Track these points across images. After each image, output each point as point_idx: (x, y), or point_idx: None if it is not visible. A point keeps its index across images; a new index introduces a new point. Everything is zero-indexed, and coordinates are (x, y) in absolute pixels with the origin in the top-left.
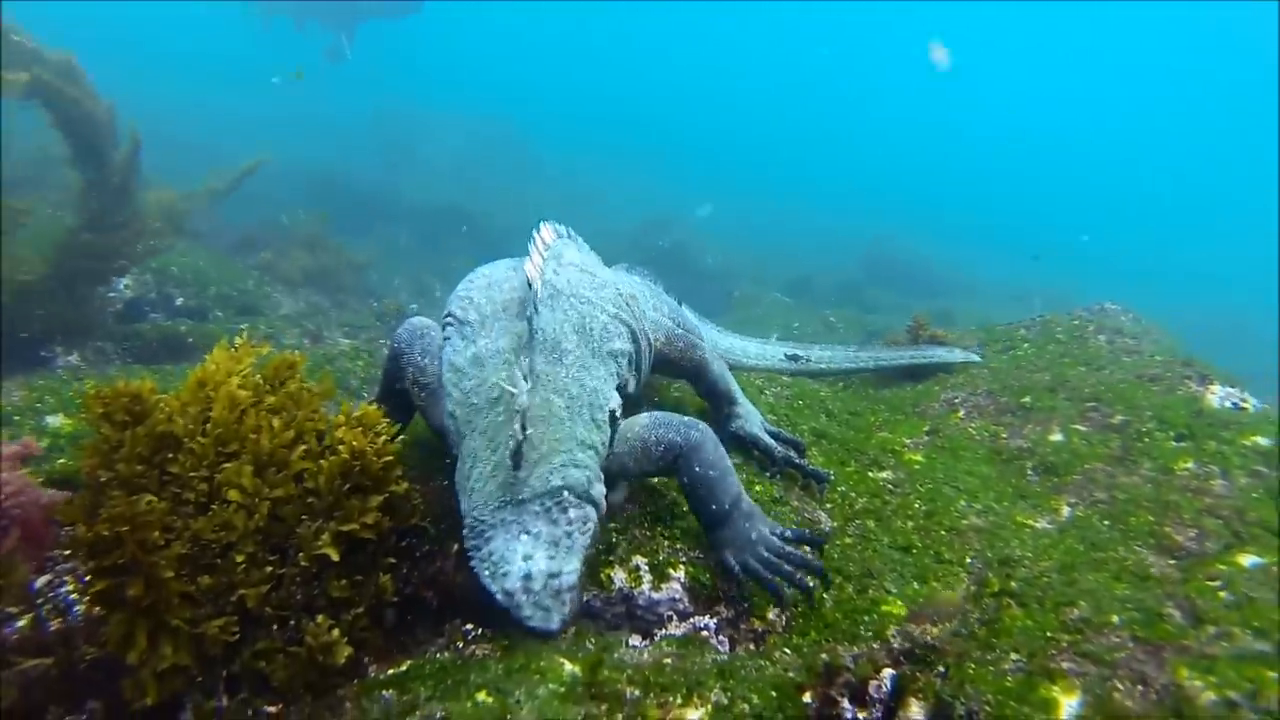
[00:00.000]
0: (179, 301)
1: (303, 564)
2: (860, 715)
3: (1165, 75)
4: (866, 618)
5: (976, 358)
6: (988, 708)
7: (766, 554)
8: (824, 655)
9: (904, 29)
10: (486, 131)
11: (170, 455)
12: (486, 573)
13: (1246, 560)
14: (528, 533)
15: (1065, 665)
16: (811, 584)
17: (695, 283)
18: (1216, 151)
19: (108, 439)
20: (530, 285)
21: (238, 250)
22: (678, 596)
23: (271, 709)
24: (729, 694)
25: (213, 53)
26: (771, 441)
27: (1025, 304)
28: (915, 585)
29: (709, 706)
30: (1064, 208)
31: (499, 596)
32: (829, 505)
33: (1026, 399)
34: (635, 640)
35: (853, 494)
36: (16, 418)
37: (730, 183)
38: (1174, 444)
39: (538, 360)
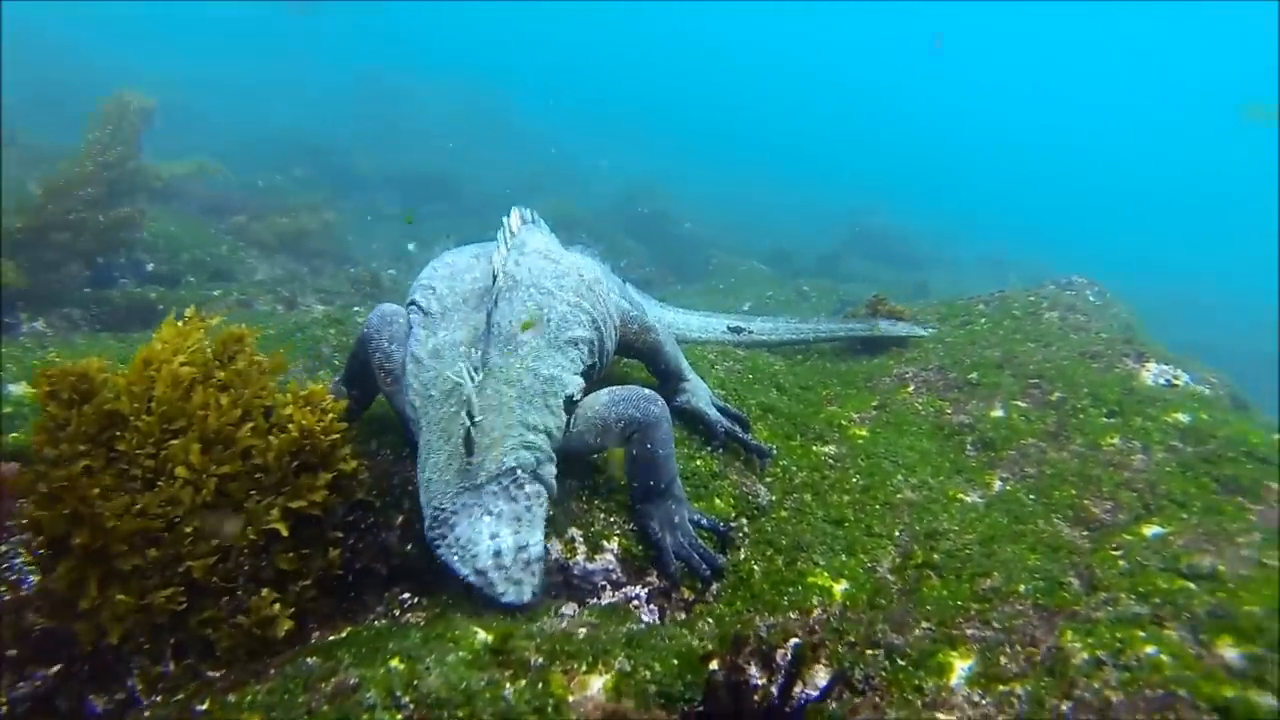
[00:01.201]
0: (150, 267)
1: (250, 538)
2: (764, 680)
3: (1164, 75)
4: (791, 589)
5: (922, 332)
6: (883, 672)
7: (682, 539)
8: (738, 626)
9: (900, 12)
10: (469, 98)
11: (117, 433)
12: (456, 558)
13: (1149, 530)
14: (489, 513)
15: (970, 632)
16: (711, 578)
17: (673, 250)
18: (1216, 152)
19: (54, 417)
20: (494, 278)
21: (211, 214)
22: (611, 567)
23: (215, 674)
24: (633, 662)
25: (192, 17)
26: (718, 416)
27: (1001, 278)
28: (843, 558)
29: (612, 673)
30: (1051, 194)
31: (472, 578)
32: (769, 479)
33: (974, 375)
34: (569, 609)
35: (794, 468)
36: None
37: (715, 155)
38: (1105, 420)
39: (492, 352)
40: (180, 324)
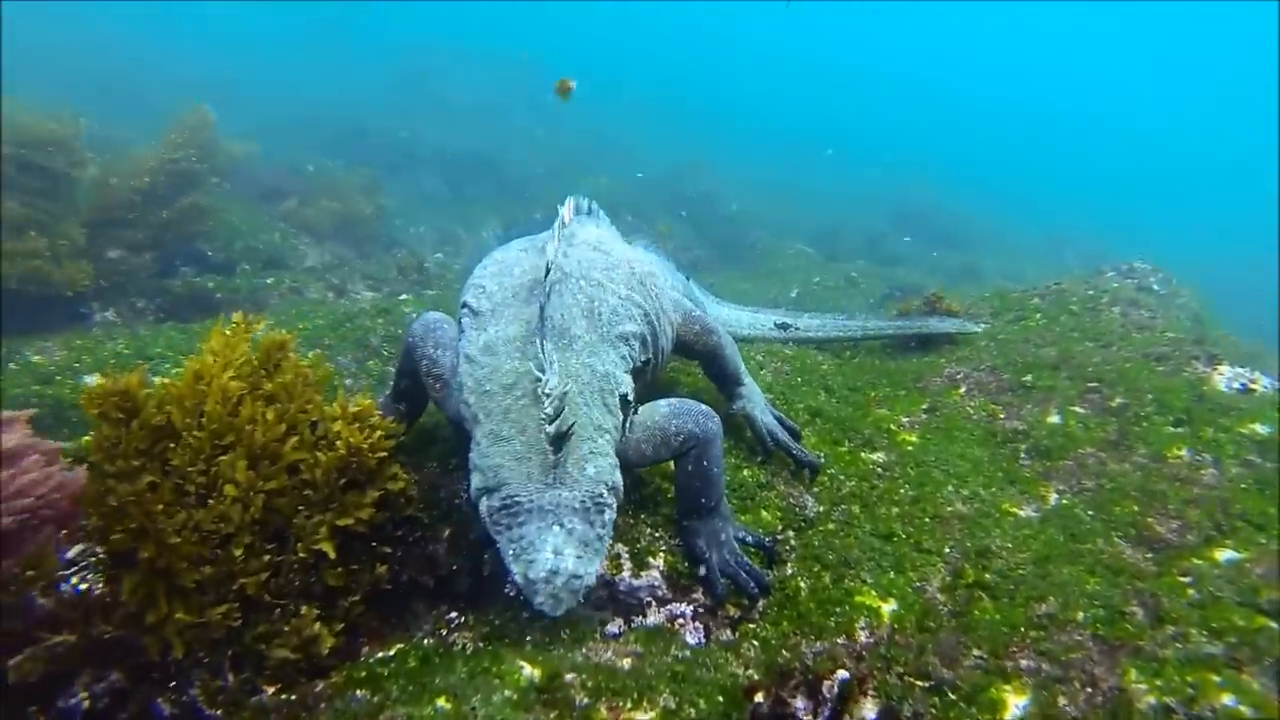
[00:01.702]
0: (208, 255)
1: (301, 555)
2: (810, 714)
3: (1164, 75)
4: (839, 609)
5: (974, 328)
6: (933, 710)
7: (728, 556)
8: (785, 652)
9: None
10: (517, 80)
11: (170, 446)
12: (512, 552)
13: (1222, 555)
14: (562, 525)
15: (1024, 664)
16: (759, 596)
17: (721, 232)
18: (1215, 152)
19: (107, 436)
20: (546, 271)
21: (264, 200)
22: (657, 583)
23: (270, 689)
24: (678, 698)
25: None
26: (773, 423)
27: (1057, 259)
28: (891, 575)
29: (658, 710)
30: (1109, 173)
31: (518, 579)
32: (816, 489)
33: (1028, 377)
34: (614, 626)
35: (841, 476)
36: (58, 377)
37: (763, 138)
38: (1171, 429)
39: (547, 347)
40: (228, 333)
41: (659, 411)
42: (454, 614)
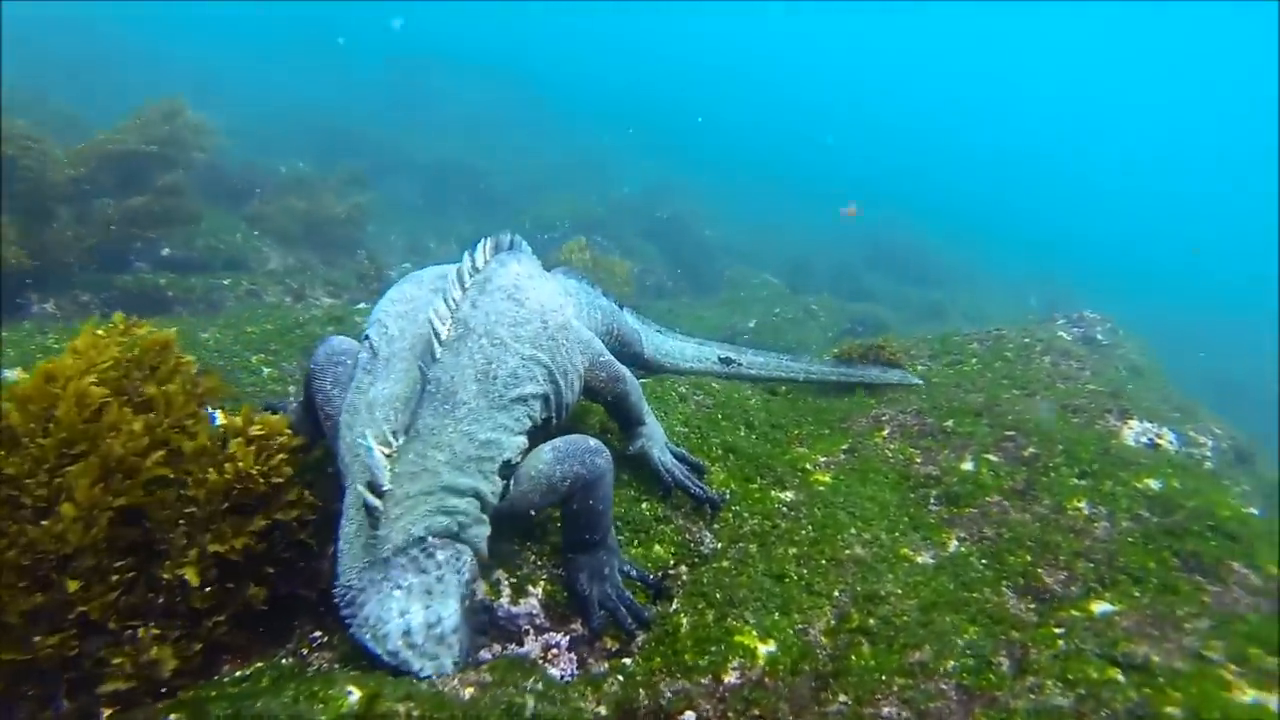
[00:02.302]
0: (165, 252)
1: (166, 577)
2: None
3: (1163, 75)
4: (715, 648)
5: (915, 380)
6: None
7: (610, 590)
8: (643, 690)
9: (920, 24)
10: (501, 90)
11: (3, 454)
12: (368, 636)
13: (1098, 608)
14: (399, 587)
15: (885, 711)
16: (636, 631)
17: (691, 257)
18: (1215, 152)
19: None
20: (433, 327)
21: (232, 199)
22: (535, 611)
23: (108, 711)
24: None
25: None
26: (672, 462)
27: (1020, 299)
28: (776, 616)
29: None
30: (1069, 207)
31: (385, 659)
32: (717, 526)
33: (949, 422)
34: (488, 653)
35: (746, 514)
36: None
37: (739, 164)
38: (1075, 481)
39: (424, 412)
40: (100, 333)
41: (543, 459)
42: (318, 633)
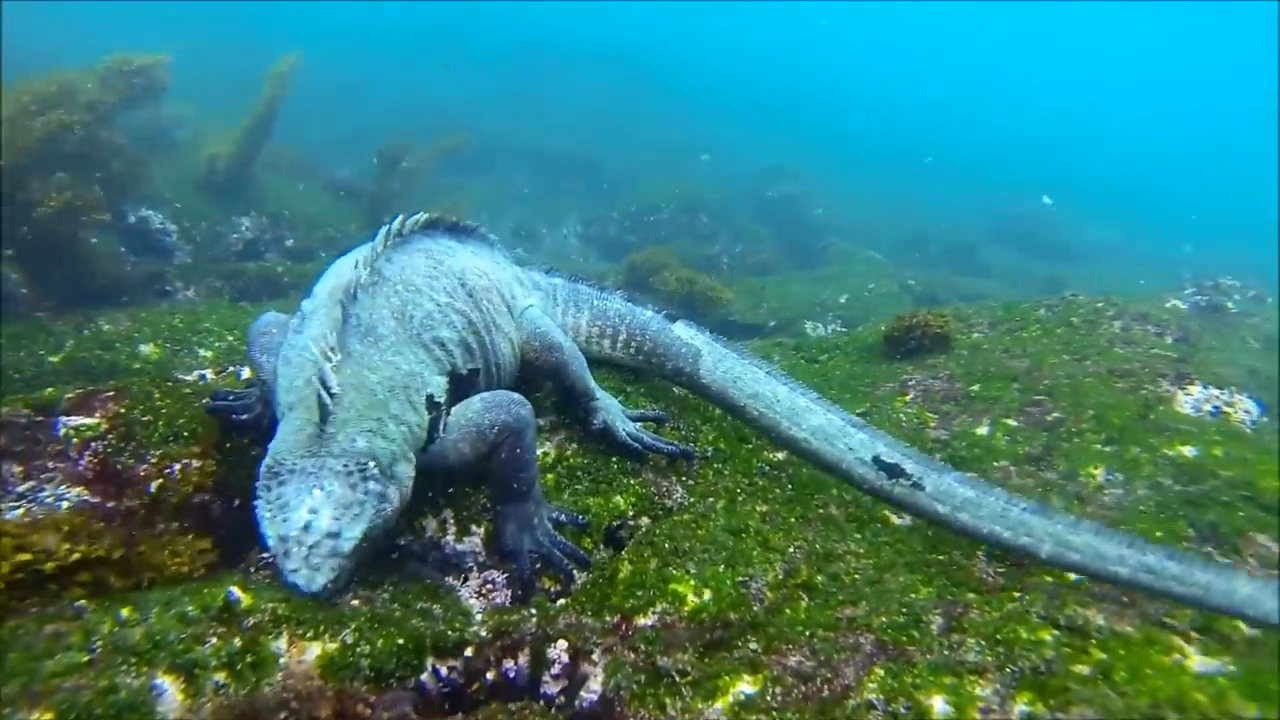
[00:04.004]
0: (289, 243)
1: None
2: (528, 677)
3: (1163, 75)
4: (645, 593)
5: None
6: (635, 686)
7: (542, 538)
8: (544, 623)
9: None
10: (620, 81)
11: None
12: (267, 514)
13: (1074, 575)
14: (321, 488)
15: (792, 660)
16: (572, 571)
17: (800, 236)
18: (1214, 153)
19: None
20: (355, 267)
21: (349, 194)
22: (478, 550)
23: None
24: (359, 634)
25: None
26: (634, 429)
27: (1171, 274)
28: (720, 569)
29: (336, 644)
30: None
31: (271, 541)
32: (691, 481)
33: (976, 387)
34: (453, 582)
35: (726, 472)
36: (117, 344)
37: (864, 146)
38: (1099, 447)
39: (351, 340)
40: None
41: (472, 408)
42: (267, 555)
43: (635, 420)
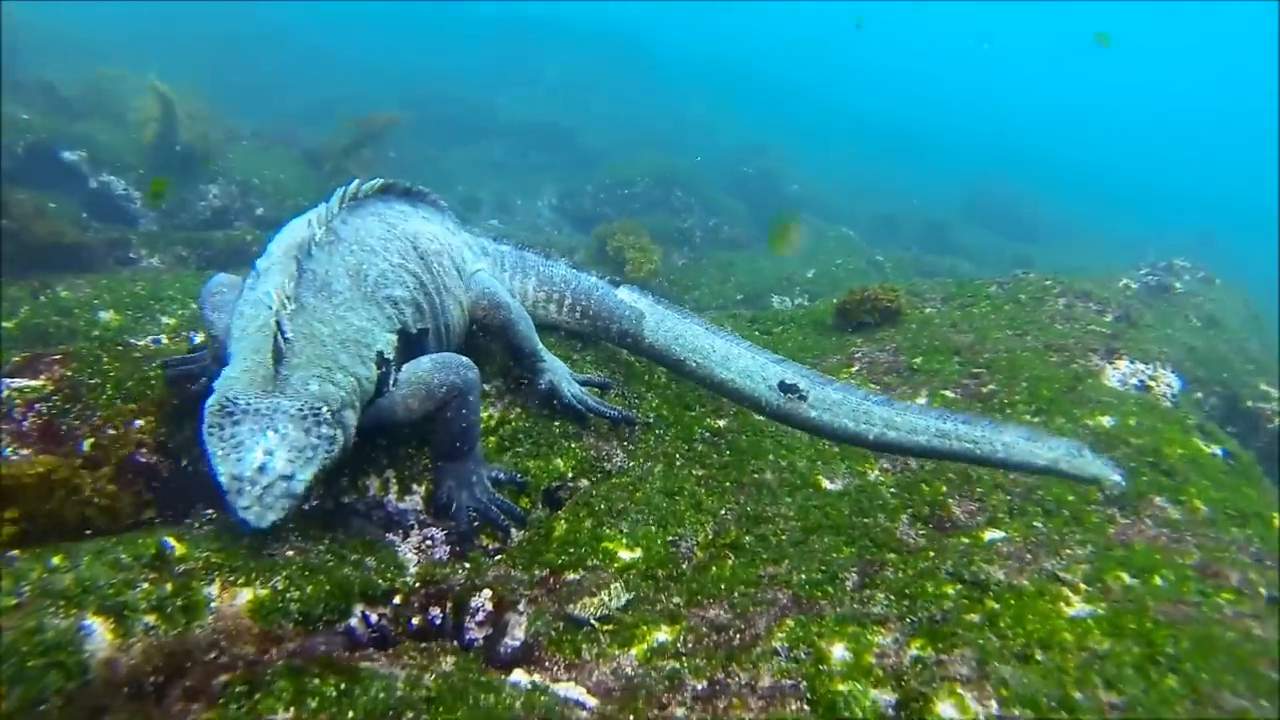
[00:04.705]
0: (259, 211)
1: None
2: (451, 623)
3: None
4: (576, 550)
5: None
6: (553, 633)
7: (480, 495)
8: (443, 571)
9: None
10: (597, 54)
11: None
12: (219, 452)
13: (989, 535)
14: (276, 430)
15: (711, 613)
16: (509, 527)
17: (771, 210)
18: (1214, 154)
19: None
20: (309, 225)
21: (322, 160)
22: (418, 508)
23: None
24: (289, 581)
25: None
26: (580, 391)
27: (1136, 254)
28: (652, 529)
29: (267, 590)
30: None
31: (224, 479)
32: (631, 446)
33: (918, 360)
34: (393, 538)
35: (667, 438)
36: (75, 310)
37: (840, 124)
38: (1027, 417)
39: (305, 294)
40: None
41: (422, 367)
42: (211, 511)
43: (582, 384)
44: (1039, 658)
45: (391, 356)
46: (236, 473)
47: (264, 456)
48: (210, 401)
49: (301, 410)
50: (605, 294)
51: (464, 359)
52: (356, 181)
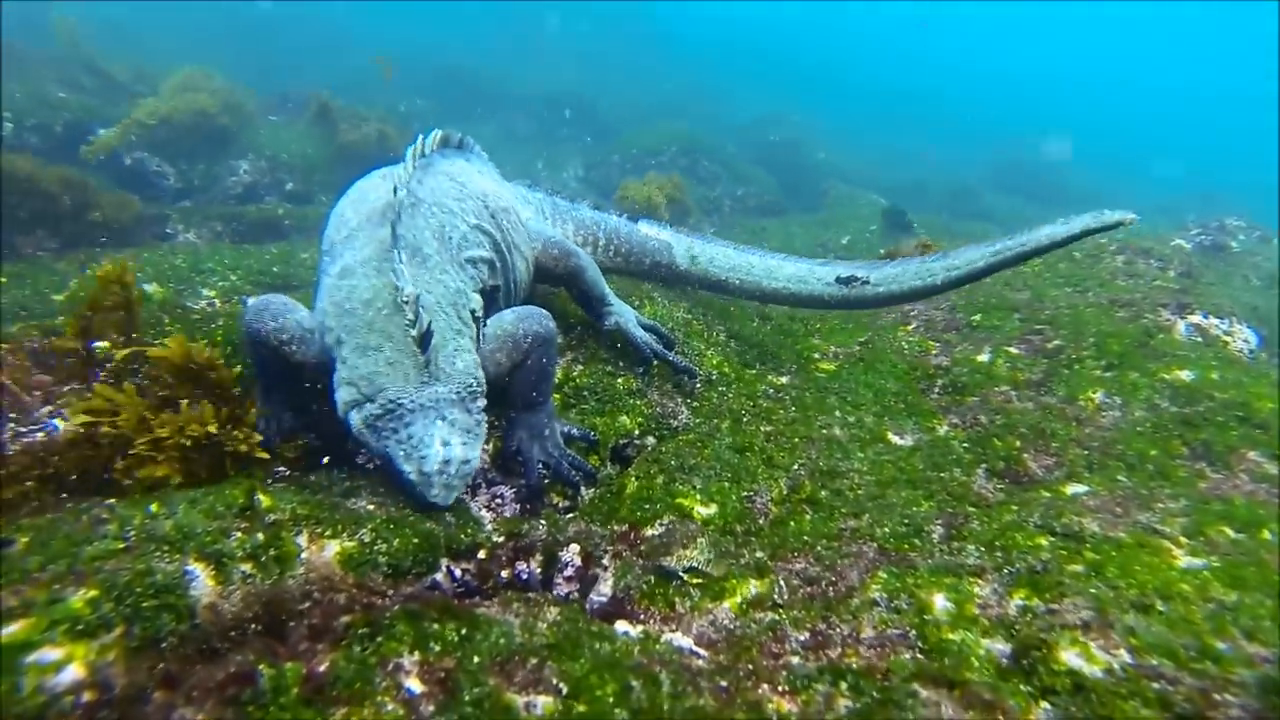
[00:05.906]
0: (289, 186)
1: None
2: (540, 577)
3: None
4: (651, 506)
5: (1118, 218)
6: (645, 585)
7: (552, 449)
8: (524, 526)
9: None
10: (616, 22)
11: None
12: (403, 453)
13: (1071, 490)
14: (443, 418)
15: (797, 566)
16: (580, 483)
17: (801, 180)
18: (1215, 153)
19: None
20: (395, 192)
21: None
22: (486, 466)
23: None
24: (375, 534)
25: None
26: (646, 336)
27: (1174, 216)
28: (725, 485)
29: (354, 542)
30: None
31: (413, 476)
32: (696, 403)
33: (977, 317)
34: (463, 495)
35: (730, 395)
36: None
37: (868, 91)
38: (1099, 373)
39: (403, 257)
40: None
41: (506, 320)
42: (282, 468)
43: (647, 330)
44: (1160, 608)
45: (481, 315)
46: (425, 470)
47: (443, 449)
48: (372, 408)
49: (459, 393)
50: (631, 230)
51: (542, 310)
52: (420, 137)
